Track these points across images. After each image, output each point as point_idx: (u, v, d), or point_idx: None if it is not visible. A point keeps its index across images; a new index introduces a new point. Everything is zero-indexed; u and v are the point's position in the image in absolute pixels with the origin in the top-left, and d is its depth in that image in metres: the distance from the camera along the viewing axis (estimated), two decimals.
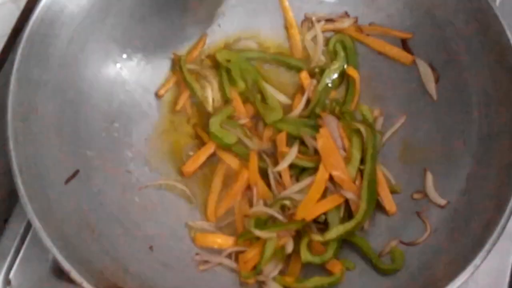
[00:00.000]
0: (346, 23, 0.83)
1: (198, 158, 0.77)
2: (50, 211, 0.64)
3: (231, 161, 0.76)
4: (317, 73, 0.81)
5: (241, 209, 0.74)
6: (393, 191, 0.74)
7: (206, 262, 0.71)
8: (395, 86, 0.80)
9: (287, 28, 0.84)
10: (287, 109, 0.79)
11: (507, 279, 0.72)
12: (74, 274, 0.60)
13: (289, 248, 0.69)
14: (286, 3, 0.84)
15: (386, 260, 0.70)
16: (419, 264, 0.68)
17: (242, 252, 0.71)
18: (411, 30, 0.80)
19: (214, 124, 0.76)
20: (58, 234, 0.62)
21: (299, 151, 0.74)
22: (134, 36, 0.79)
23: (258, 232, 0.69)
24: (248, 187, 0.75)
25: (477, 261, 0.60)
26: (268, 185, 0.74)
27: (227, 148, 0.77)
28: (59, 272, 0.71)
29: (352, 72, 0.80)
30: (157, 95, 0.81)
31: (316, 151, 0.74)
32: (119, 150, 0.76)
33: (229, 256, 0.72)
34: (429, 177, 0.74)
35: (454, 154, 0.73)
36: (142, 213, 0.73)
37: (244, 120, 0.78)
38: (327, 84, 0.80)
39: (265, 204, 0.73)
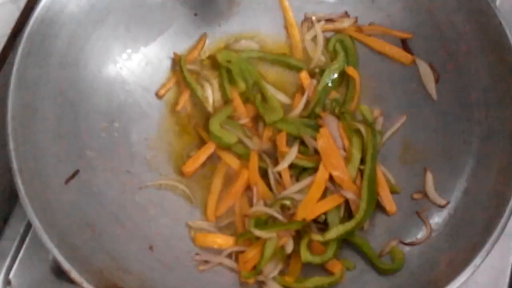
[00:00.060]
0: (346, 23, 0.83)
1: (198, 158, 0.77)
2: (50, 211, 0.64)
3: (231, 161, 0.76)
4: (317, 73, 0.81)
5: (241, 209, 0.74)
6: (393, 191, 0.74)
7: (206, 262, 0.71)
8: (395, 86, 0.80)
9: (287, 28, 0.84)
10: (287, 109, 0.79)
11: (507, 279, 0.72)
12: (74, 274, 0.60)
13: (289, 248, 0.69)
14: (286, 3, 0.84)
15: (386, 260, 0.70)
16: (419, 264, 0.68)
17: (242, 252, 0.71)
18: (411, 30, 0.80)
19: (214, 124, 0.76)
20: (58, 234, 0.62)
21: (299, 151, 0.74)
22: (134, 36, 0.79)
23: (258, 232, 0.69)
24: (248, 187, 0.75)
25: (477, 261, 0.61)
26: (268, 185, 0.74)
27: (227, 148, 0.77)
28: (59, 272, 0.71)
29: (352, 72, 0.80)
30: (157, 95, 0.80)
31: (316, 151, 0.74)
32: (119, 150, 0.76)
33: (229, 256, 0.72)
34: (429, 177, 0.74)
35: (454, 154, 0.73)
36: (142, 213, 0.73)
37: (244, 120, 0.78)
38: (327, 84, 0.80)
39: (265, 204, 0.73)
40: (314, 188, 0.71)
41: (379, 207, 0.73)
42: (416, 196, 0.74)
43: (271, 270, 0.69)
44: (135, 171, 0.76)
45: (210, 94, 0.80)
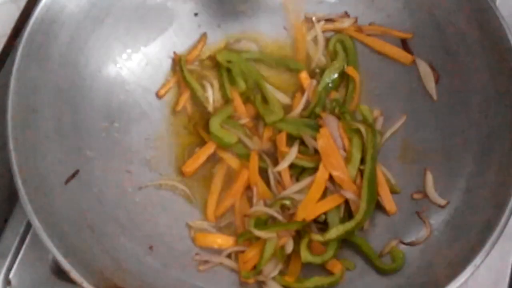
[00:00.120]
0: (346, 23, 0.83)
1: (198, 158, 0.77)
2: (50, 211, 0.64)
3: (231, 161, 0.76)
4: (317, 74, 0.81)
5: (241, 209, 0.74)
6: (393, 191, 0.74)
7: (206, 262, 0.71)
8: (395, 86, 0.80)
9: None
10: (287, 109, 0.79)
11: (507, 279, 0.72)
12: (74, 274, 0.60)
13: (289, 248, 0.69)
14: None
15: (386, 260, 0.70)
16: (419, 264, 0.68)
17: (242, 252, 0.71)
18: (411, 30, 0.80)
19: (214, 124, 0.76)
20: (58, 234, 0.62)
21: (299, 151, 0.74)
22: (134, 36, 0.79)
23: (258, 232, 0.69)
24: (248, 187, 0.75)
25: (477, 261, 0.61)
26: (268, 185, 0.74)
27: (227, 148, 0.77)
28: (59, 272, 0.71)
29: (352, 72, 0.80)
30: (158, 95, 0.80)
31: (316, 151, 0.74)
32: (119, 150, 0.76)
33: (229, 256, 0.72)
34: (429, 177, 0.74)
35: (454, 154, 0.73)
36: (142, 213, 0.73)
37: (244, 120, 0.78)
38: (327, 84, 0.80)
39: (265, 204, 0.73)
40: (314, 188, 0.71)
41: (379, 207, 0.73)
42: (416, 196, 0.74)
43: (271, 270, 0.69)
44: (135, 171, 0.76)
45: (211, 94, 0.80)
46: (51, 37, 0.71)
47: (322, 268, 0.70)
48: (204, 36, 0.83)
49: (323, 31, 0.83)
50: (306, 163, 0.74)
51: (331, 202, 0.71)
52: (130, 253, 0.69)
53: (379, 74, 0.81)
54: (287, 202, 0.71)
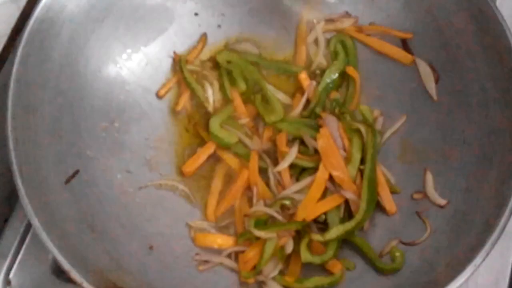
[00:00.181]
0: (346, 23, 0.83)
1: (198, 158, 0.77)
2: (50, 211, 0.64)
3: (231, 161, 0.76)
4: (318, 75, 0.81)
5: (241, 209, 0.74)
6: (393, 191, 0.74)
7: (206, 262, 0.71)
8: (395, 86, 0.80)
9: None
10: (287, 109, 0.79)
11: (507, 279, 0.72)
12: (74, 274, 0.60)
13: (289, 248, 0.69)
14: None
15: (386, 260, 0.70)
16: (419, 264, 0.68)
17: (242, 252, 0.71)
18: (411, 30, 0.80)
19: (214, 124, 0.76)
20: (58, 234, 0.62)
21: (299, 151, 0.74)
22: (134, 36, 0.79)
23: (258, 232, 0.69)
24: (248, 187, 0.75)
25: (477, 261, 0.61)
26: (268, 185, 0.74)
27: (227, 148, 0.77)
28: (59, 272, 0.71)
29: (352, 72, 0.80)
30: (158, 95, 0.80)
31: (316, 151, 0.74)
32: (119, 150, 0.76)
33: (229, 256, 0.72)
34: (429, 177, 0.74)
35: (454, 154, 0.73)
36: (142, 213, 0.73)
37: (244, 120, 0.78)
38: (327, 84, 0.80)
39: (265, 204, 0.73)
40: (314, 188, 0.71)
41: (379, 207, 0.73)
42: (416, 196, 0.74)
43: (271, 270, 0.69)
44: (135, 171, 0.76)
45: (211, 94, 0.80)
46: (51, 37, 0.71)
47: (322, 268, 0.70)
48: (204, 36, 0.83)
49: (324, 32, 0.83)
50: (306, 163, 0.74)
51: (331, 202, 0.71)
52: (130, 253, 0.69)
53: (379, 74, 0.81)
54: (287, 202, 0.71)
